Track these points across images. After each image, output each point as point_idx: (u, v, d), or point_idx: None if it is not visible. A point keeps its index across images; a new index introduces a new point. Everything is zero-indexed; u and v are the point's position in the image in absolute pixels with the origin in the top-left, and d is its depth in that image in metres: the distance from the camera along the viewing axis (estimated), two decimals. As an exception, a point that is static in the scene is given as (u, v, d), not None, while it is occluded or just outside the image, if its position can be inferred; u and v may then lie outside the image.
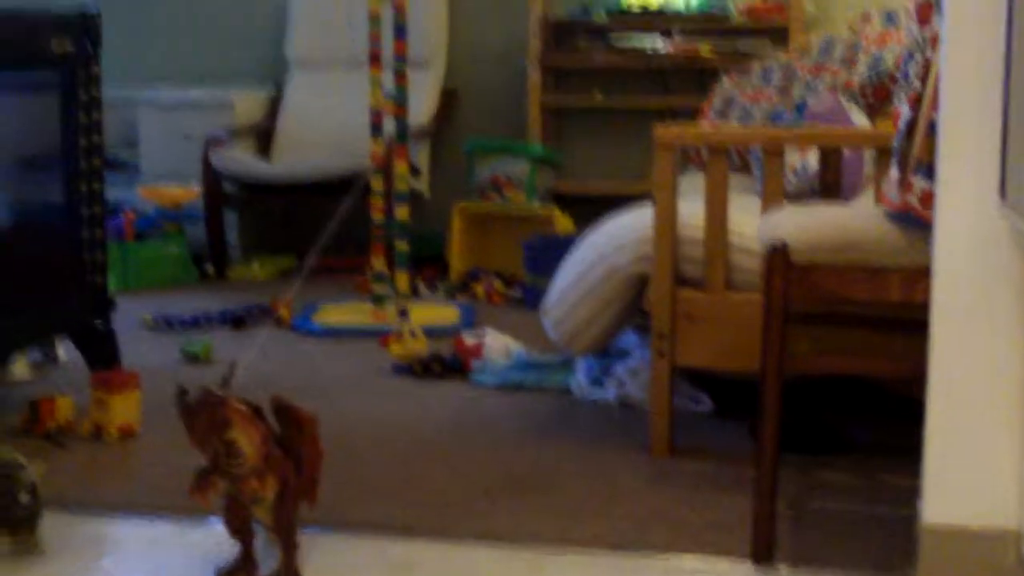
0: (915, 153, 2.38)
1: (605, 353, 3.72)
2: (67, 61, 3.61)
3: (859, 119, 3.98)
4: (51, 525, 2.59)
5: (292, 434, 2.44)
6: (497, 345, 4.02)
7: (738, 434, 3.28)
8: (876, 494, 2.86)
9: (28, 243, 3.74)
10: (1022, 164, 1.99)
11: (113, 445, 3.23)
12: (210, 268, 5.73)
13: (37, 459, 2.59)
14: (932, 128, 2.32)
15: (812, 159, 3.87)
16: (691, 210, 3.17)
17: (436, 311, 4.82)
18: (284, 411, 2.45)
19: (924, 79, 2.44)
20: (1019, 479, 2.22)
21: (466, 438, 3.27)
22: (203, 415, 2.30)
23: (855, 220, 2.51)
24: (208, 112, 5.96)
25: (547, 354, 3.96)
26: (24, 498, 2.48)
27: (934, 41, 2.43)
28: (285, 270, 5.84)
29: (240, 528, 2.45)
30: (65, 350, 4.12)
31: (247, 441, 2.31)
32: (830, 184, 3.17)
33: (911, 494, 2.42)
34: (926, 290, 2.33)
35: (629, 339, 3.75)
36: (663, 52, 5.70)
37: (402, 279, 4.64)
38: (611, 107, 5.98)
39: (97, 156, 3.71)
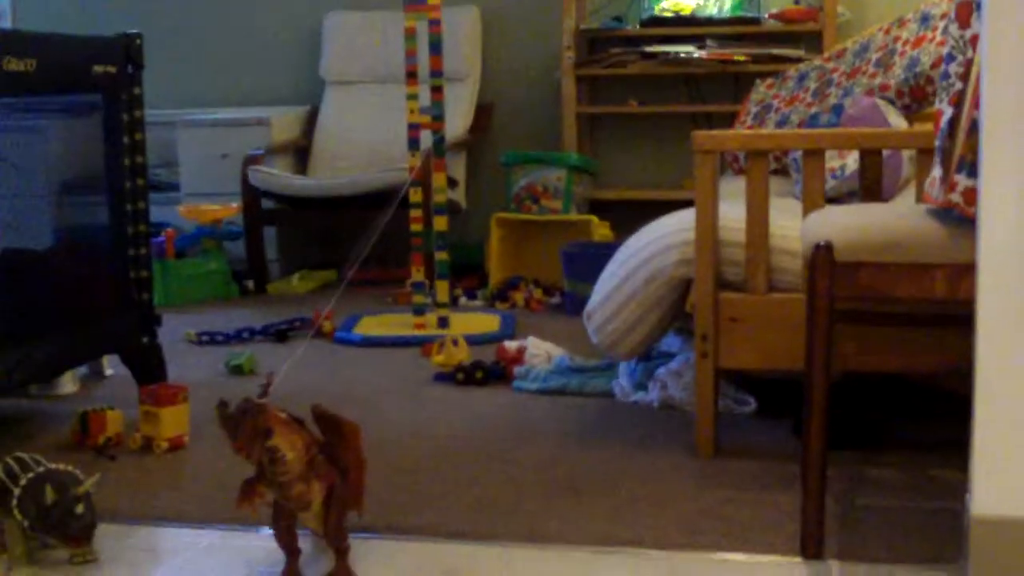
0: (958, 151, 2.39)
1: (647, 356, 3.74)
2: (110, 84, 3.67)
3: (896, 121, 3.99)
4: (105, 536, 2.63)
5: (335, 442, 2.46)
6: (539, 351, 4.05)
7: (782, 434, 3.29)
8: (924, 489, 2.86)
9: (76, 263, 3.79)
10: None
11: (162, 457, 3.26)
12: (250, 284, 5.79)
13: (89, 471, 2.62)
14: (974, 126, 2.33)
15: (850, 162, 3.88)
16: (731, 213, 3.18)
17: (476, 320, 4.85)
18: (325, 420, 2.48)
19: (965, 79, 2.45)
20: (1068, 471, 2.22)
21: (512, 443, 3.29)
22: (245, 425, 2.33)
23: (898, 218, 2.52)
24: (245, 131, 6.02)
25: (589, 359, 3.98)
26: (79, 509, 2.52)
27: (974, 41, 2.44)
28: (325, 284, 5.89)
29: (287, 538, 2.47)
30: (111, 365, 4.18)
31: (289, 448, 2.34)
32: (870, 186, 3.17)
33: (959, 488, 2.42)
34: (971, 286, 2.34)
35: (671, 342, 3.77)
36: (697, 58, 5.71)
37: (442, 289, 4.68)
38: (646, 114, 6.01)
39: (141, 176, 3.76)
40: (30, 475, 2.51)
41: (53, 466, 2.56)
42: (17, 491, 2.49)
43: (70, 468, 2.57)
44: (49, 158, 3.85)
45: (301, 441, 2.37)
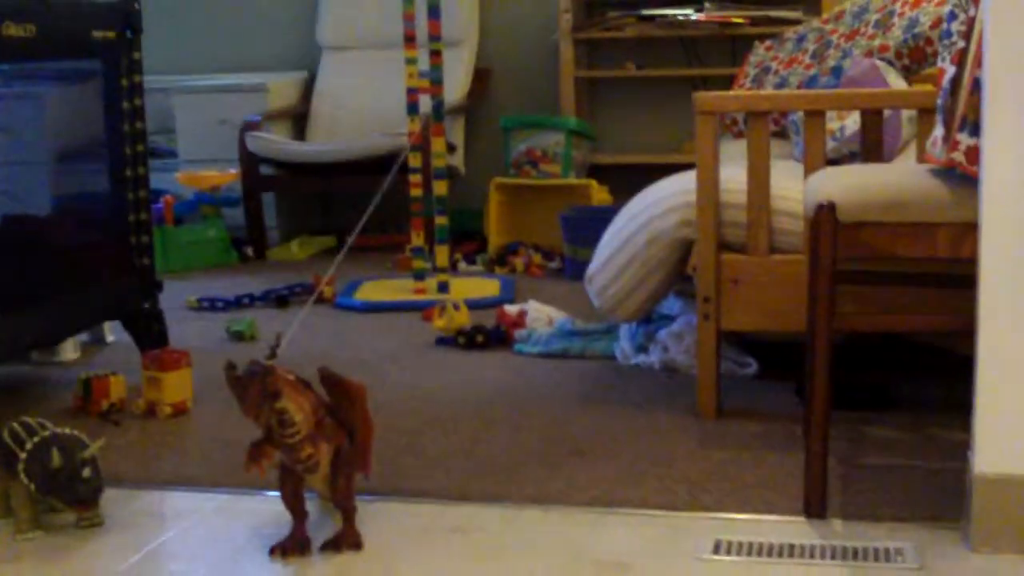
0: (960, 110, 2.39)
1: (648, 319, 3.74)
2: (109, 49, 3.66)
3: (896, 82, 3.98)
4: (110, 500, 2.64)
5: (342, 404, 2.47)
6: (540, 315, 4.06)
7: (784, 396, 3.30)
8: (926, 448, 2.87)
9: (77, 228, 3.80)
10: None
11: (166, 422, 3.27)
12: (250, 250, 5.79)
13: (94, 436, 2.62)
14: (977, 85, 2.33)
15: (849, 123, 3.88)
16: (731, 175, 3.19)
17: (476, 284, 4.85)
18: (332, 382, 2.48)
19: (967, 37, 2.45)
20: (1070, 428, 2.23)
21: (515, 406, 3.30)
22: (253, 386, 2.33)
23: (901, 178, 2.52)
24: (243, 97, 6.01)
25: (590, 322, 3.99)
26: (86, 473, 2.52)
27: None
28: (324, 250, 5.90)
29: (294, 500, 2.48)
30: (112, 331, 4.18)
31: (297, 409, 2.35)
32: (871, 146, 3.17)
33: (961, 447, 2.43)
34: (974, 245, 2.34)
35: (672, 304, 3.78)
36: (694, 21, 5.70)
37: (442, 253, 4.68)
38: (644, 78, 6.00)
39: (140, 141, 3.76)
40: (36, 439, 2.52)
41: (59, 430, 2.56)
42: (23, 455, 2.50)
43: (76, 432, 2.58)
44: (46, 125, 3.84)
45: (309, 403, 2.38)
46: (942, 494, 2.55)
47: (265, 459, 2.40)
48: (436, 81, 4.64)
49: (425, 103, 4.72)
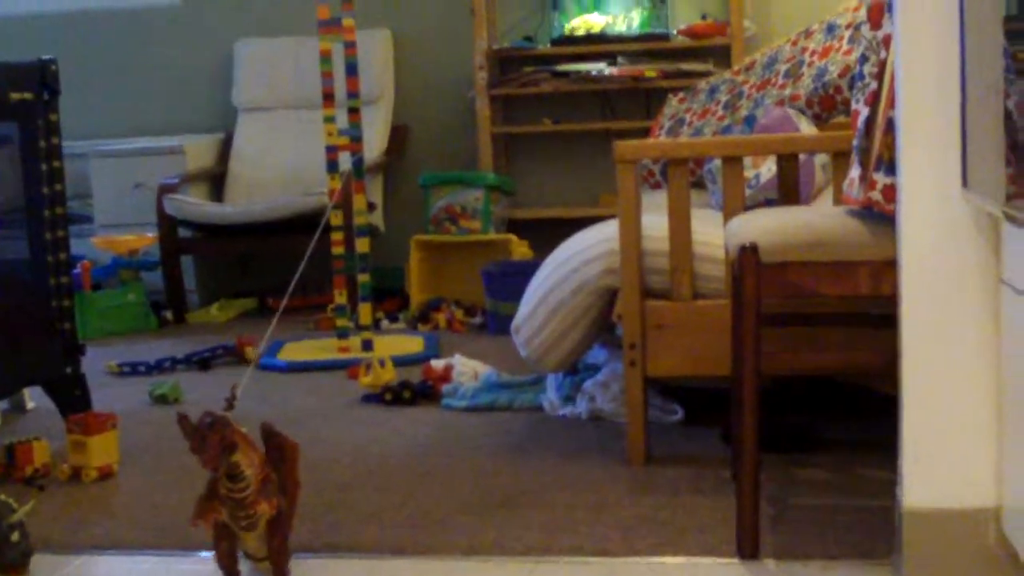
0: (876, 150, 2.45)
1: (575, 370, 3.77)
2: (27, 111, 3.63)
3: (808, 129, 4.06)
4: (39, 565, 2.61)
5: (277, 462, 2.46)
6: (466, 369, 4.06)
7: (709, 441, 3.33)
8: (853, 487, 2.91)
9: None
10: (982, 150, 2.06)
11: (93, 486, 3.23)
12: (169, 314, 5.74)
13: (20, 501, 2.58)
14: (890, 125, 2.39)
15: (763, 171, 3.94)
16: (653, 222, 3.22)
17: (401, 342, 4.85)
18: (271, 437, 2.48)
19: (880, 79, 2.51)
20: (994, 459, 2.27)
21: (445, 459, 3.30)
22: (212, 437, 2.31)
23: (820, 218, 2.57)
24: (159, 160, 5.98)
25: (516, 375, 4.00)
26: (15, 537, 2.49)
27: (887, 41, 2.50)
28: (244, 312, 5.86)
29: (228, 560, 2.46)
30: (32, 397, 4.13)
31: (249, 464, 2.34)
32: (788, 191, 3.23)
33: (888, 485, 2.47)
34: (893, 281, 2.40)
35: (598, 354, 3.80)
36: (608, 76, 5.77)
37: (365, 311, 4.68)
38: (561, 132, 6.06)
39: (60, 204, 3.72)
40: (-39, 506, 2.48)
41: (-15, 496, 2.53)
42: (-51, 523, 2.46)
43: (3, 496, 2.54)
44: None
45: (259, 459, 2.37)
46: (871, 531, 2.59)
47: (212, 514, 2.38)
48: (355, 138, 4.66)
49: (344, 161, 4.73)
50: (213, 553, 2.48)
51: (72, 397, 3.75)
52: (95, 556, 2.75)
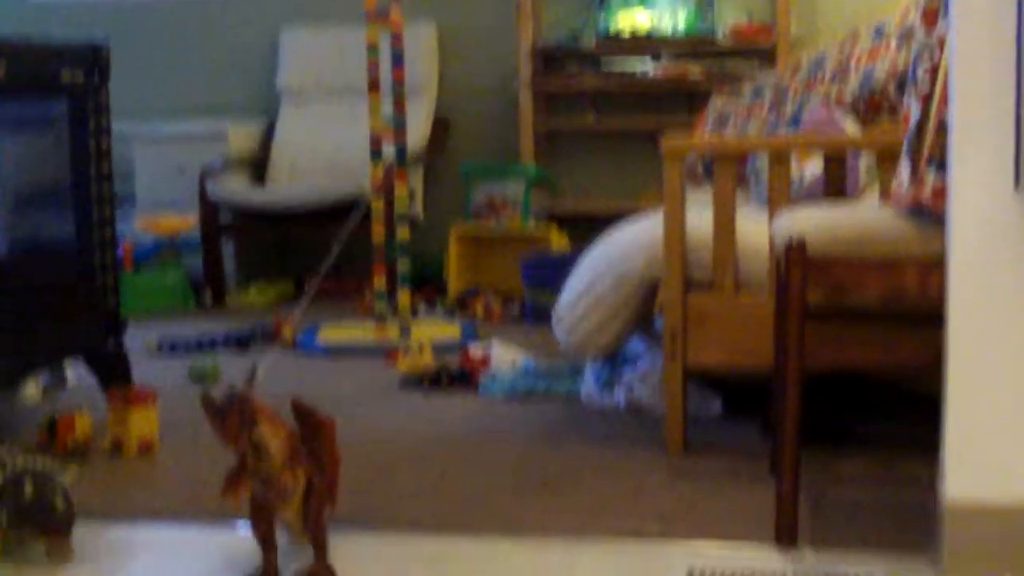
0: (927, 150, 2.46)
1: (613, 360, 3.78)
2: (78, 91, 3.67)
3: (853, 129, 4.06)
4: (80, 533, 2.62)
5: (311, 437, 2.48)
6: (504, 356, 4.08)
7: (747, 433, 3.34)
8: (893, 482, 2.92)
9: (43, 268, 3.78)
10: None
11: (133, 459, 3.26)
12: (208, 296, 5.78)
13: (67, 466, 2.61)
14: (942, 126, 2.40)
15: (807, 173, 3.95)
16: (696, 218, 3.24)
17: (438, 327, 4.87)
18: (303, 414, 2.49)
19: (933, 80, 2.52)
20: (1037, 456, 2.28)
21: (482, 443, 3.32)
22: (231, 414, 2.33)
23: (868, 215, 2.58)
24: (202, 144, 6.02)
25: (554, 364, 4.02)
26: (59, 503, 2.51)
27: (941, 43, 2.51)
28: (282, 297, 5.90)
29: (266, 532, 2.48)
30: (74, 373, 4.17)
31: (273, 438, 2.35)
32: (835, 191, 3.24)
33: (926, 482, 2.48)
34: (941, 282, 2.40)
35: (637, 346, 3.81)
36: (652, 75, 5.78)
37: (404, 297, 4.70)
38: (602, 129, 6.07)
39: (107, 182, 3.76)
40: (7, 470, 2.50)
41: (31, 461, 2.55)
42: (-6, 486, 2.49)
43: (48, 462, 2.57)
44: (16, 164, 3.84)
45: (284, 432, 2.39)
46: (910, 525, 2.59)
47: (241, 488, 2.40)
48: (399, 127, 4.69)
49: (388, 150, 4.75)
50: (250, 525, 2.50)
51: (114, 371, 3.78)
52: (135, 525, 2.78)
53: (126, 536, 2.72)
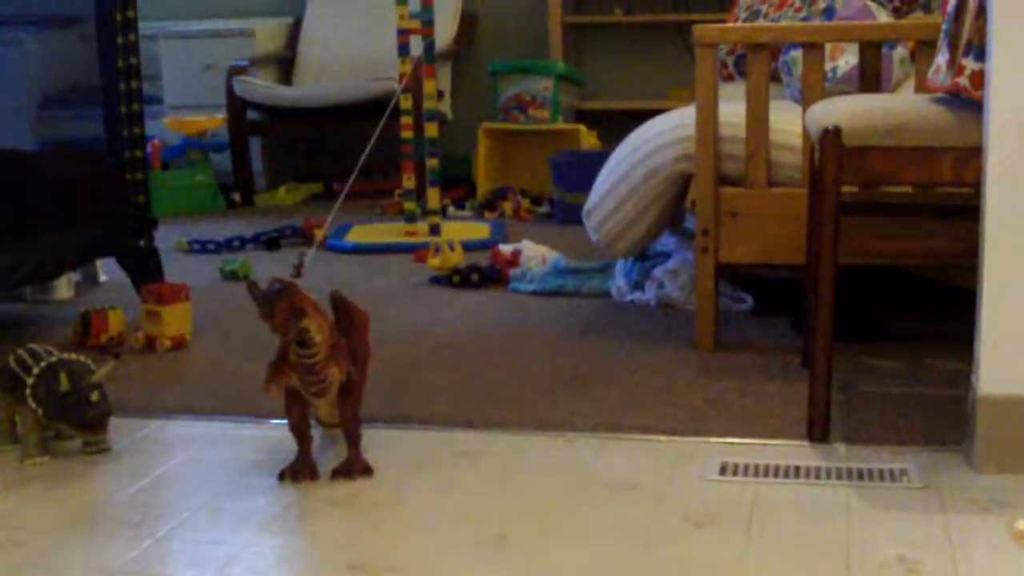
0: (965, 35, 2.41)
1: (644, 257, 3.76)
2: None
3: (887, 20, 4.00)
4: (115, 428, 2.64)
5: (348, 330, 2.48)
6: (534, 254, 4.07)
7: (780, 329, 3.33)
8: (924, 377, 2.90)
9: (72, 165, 3.78)
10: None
11: (166, 355, 3.28)
12: (237, 196, 5.77)
13: (102, 361, 2.62)
14: (982, 9, 2.35)
15: (841, 64, 3.89)
16: (729, 110, 3.20)
17: (467, 227, 4.86)
18: (341, 306, 2.49)
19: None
20: (1072, 350, 2.26)
21: (513, 340, 3.32)
22: (281, 302, 2.32)
23: (904, 104, 2.54)
24: (229, 42, 5.99)
25: (584, 261, 4.01)
26: (94, 397, 2.53)
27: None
28: (312, 196, 5.89)
29: (301, 425, 2.48)
30: (105, 271, 4.18)
31: (318, 330, 2.35)
32: (870, 81, 3.18)
33: (959, 376, 2.47)
34: (977, 170, 2.36)
35: (667, 242, 3.80)
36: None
37: (433, 195, 4.68)
38: (632, 24, 5.99)
39: (134, 78, 3.74)
40: (43, 364, 2.52)
41: (66, 356, 2.56)
42: (30, 380, 2.50)
43: (83, 358, 2.58)
44: (44, 64, 3.82)
45: (327, 325, 2.38)
46: (942, 420, 2.58)
47: (283, 379, 2.40)
48: (427, 22, 4.63)
49: (415, 45, 4.71)
50: (285, 419, 2.51)
51: (145, 269, 3.79)
52: (169, 420, 2.80)
53: (161, 431, 2.74)
